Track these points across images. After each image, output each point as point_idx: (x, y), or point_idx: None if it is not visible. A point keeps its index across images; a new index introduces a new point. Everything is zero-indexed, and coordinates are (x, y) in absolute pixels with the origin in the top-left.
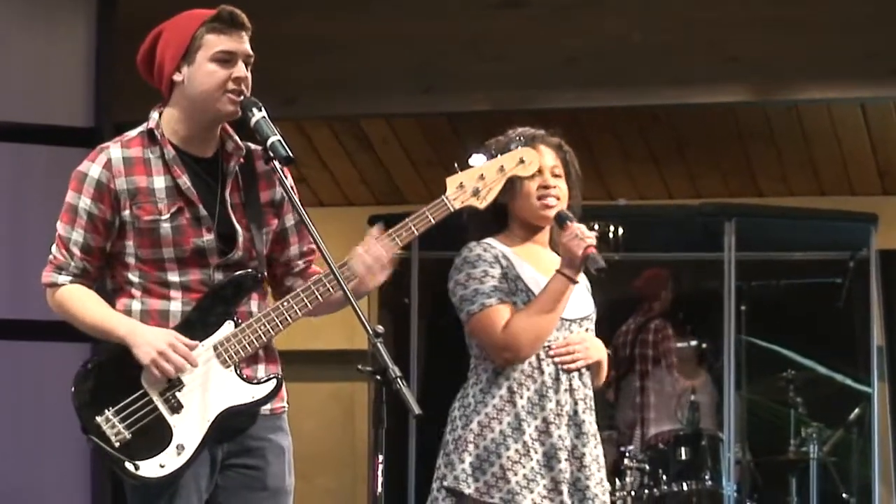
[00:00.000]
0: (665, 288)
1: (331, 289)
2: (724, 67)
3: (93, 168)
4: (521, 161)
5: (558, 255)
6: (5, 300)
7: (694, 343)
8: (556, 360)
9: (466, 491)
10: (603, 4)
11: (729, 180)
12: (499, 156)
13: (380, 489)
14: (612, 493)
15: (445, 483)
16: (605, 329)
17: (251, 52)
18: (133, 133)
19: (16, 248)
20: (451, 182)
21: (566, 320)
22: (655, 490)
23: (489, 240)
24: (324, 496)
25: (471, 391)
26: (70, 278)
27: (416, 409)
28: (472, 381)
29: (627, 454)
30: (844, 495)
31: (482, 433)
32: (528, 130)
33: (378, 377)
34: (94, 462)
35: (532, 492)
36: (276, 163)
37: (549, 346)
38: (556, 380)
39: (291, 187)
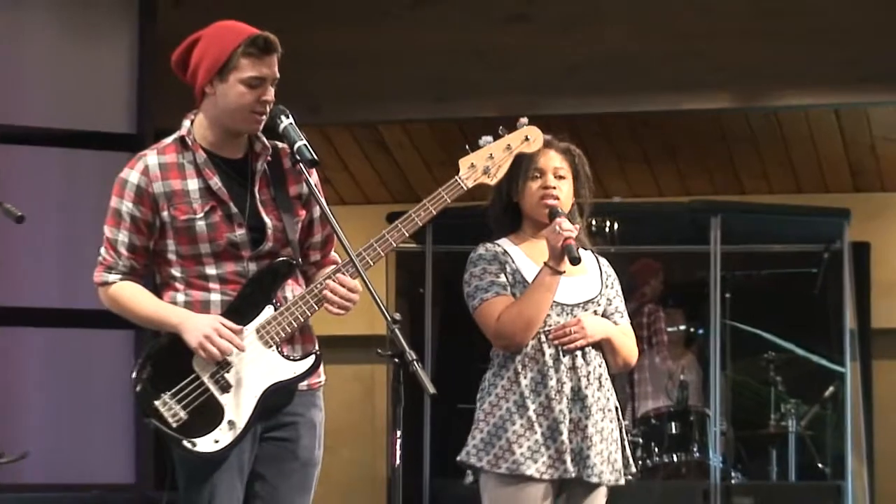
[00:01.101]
0: (655, 276)
1: (359, 269)
2: (710, 77)
3: (132, 174)
4: (526, 139)
5: None
6: (57, 291)
7: (683, 327)
8: (556, 342)
9: (478, 464)
10: (601, 19)
11: (715, 179)
12: (506, 135)
13: (398, 461)
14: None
15: (459, 458)
16: None
17: (278, 75)
18: (168, 140)
19: (66, 244)
20: (463, 163)
21: (567, 305)
22: (648, 461)
23: (500, 240)
24: (347, 467)
25: (487, 375)
26: (119, 276)
27: (431, 389)
28: (490, 366)
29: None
30: (820, 465)
31: (492, 412)
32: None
33: (396, 360)
34: (139, 439)
35: (536, 462)
36: (302, 165)
37: (548, 331)
38: (557, 360)
39: (316, 184)
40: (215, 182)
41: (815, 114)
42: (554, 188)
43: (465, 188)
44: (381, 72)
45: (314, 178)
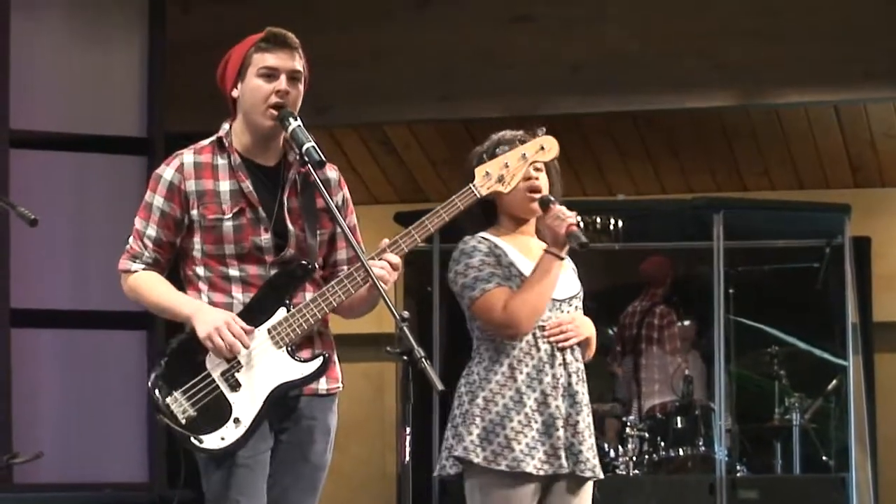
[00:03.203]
0: (670, 274)
1: (370, 272)
2: (712, 75)
3: (167, 171)
4: (542, 148)
5: (545, 242)
6: (70, 293)
7: (687, 323)
8: (551, 339)
9: (475, 460)
10: (604, 18)
11: (717, 176)
12: (522, 145)
13: (407, 458)
14: (615, 458)
15: (455, 453)
16: (607, 311)
17: (298, 68)
18: (206, 142)
19: (78, 246)
20: (479, 171)
21: (557, 300)
22: (654, 455)
23: (482, 233)
24: (357, 464)
25: (475, 369)
26: (143, 266)
27: (440, 386)
28: (476, 360)
29: (629, 423)
30: (824, 458)
31: (487, 407)
32: (511, 133)
33: (405, 357)
34: (152, 438)
35: (534, 458)
36: (311, 167)
37: (543, 327)
38: (552, 356)
39: (346, 198)
40: (247, 185)
41: (816, 111)
42: (536, 179)
43: (479, 196)
44: (386, 73)
45: (345, 193)
